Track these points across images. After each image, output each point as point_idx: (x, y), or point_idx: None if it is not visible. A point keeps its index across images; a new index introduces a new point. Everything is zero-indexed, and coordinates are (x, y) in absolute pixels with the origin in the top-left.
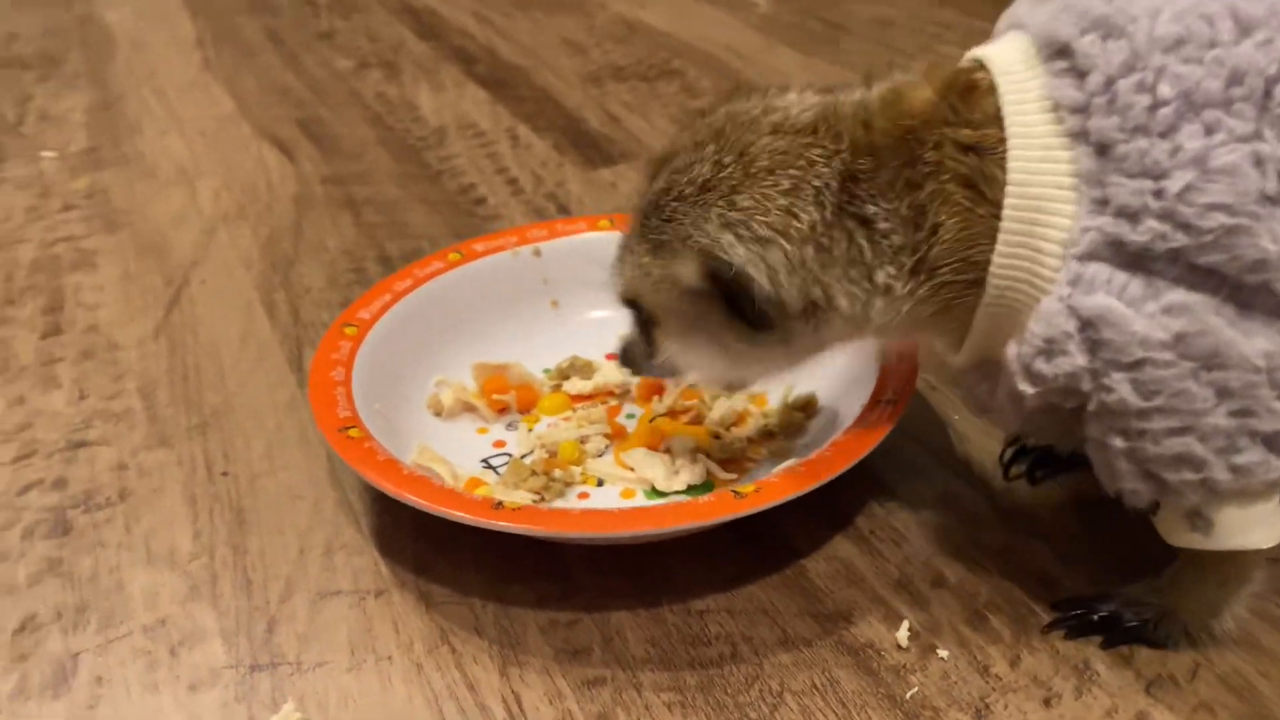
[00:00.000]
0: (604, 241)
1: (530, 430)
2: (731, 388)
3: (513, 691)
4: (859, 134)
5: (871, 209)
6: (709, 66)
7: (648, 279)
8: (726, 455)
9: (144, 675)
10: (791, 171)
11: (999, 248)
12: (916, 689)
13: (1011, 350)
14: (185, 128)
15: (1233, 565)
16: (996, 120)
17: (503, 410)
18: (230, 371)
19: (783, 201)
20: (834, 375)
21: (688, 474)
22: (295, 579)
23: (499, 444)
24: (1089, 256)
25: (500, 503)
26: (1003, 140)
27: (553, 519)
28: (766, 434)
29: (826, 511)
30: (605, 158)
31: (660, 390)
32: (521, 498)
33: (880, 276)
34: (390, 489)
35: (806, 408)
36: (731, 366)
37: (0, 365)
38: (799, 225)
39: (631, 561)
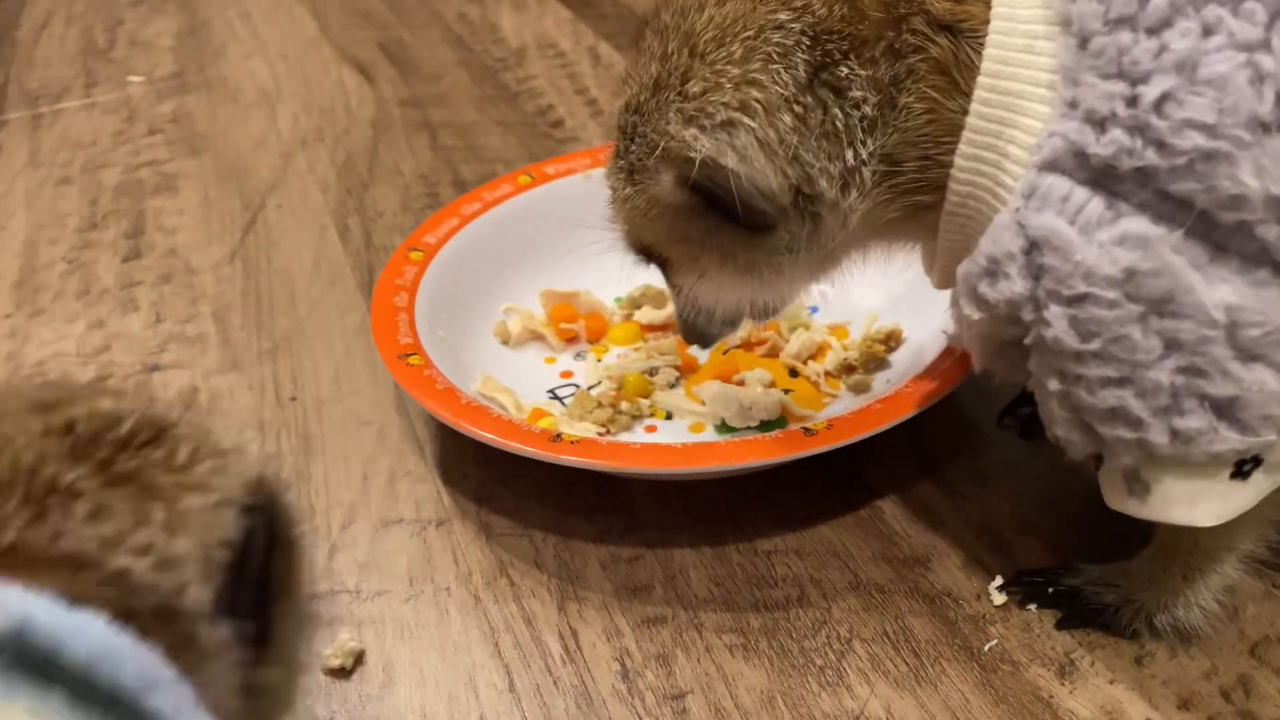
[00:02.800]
0: None
1: (599, 361)
2: (757, 316)
3: (570, 627)
4: None
5: (844, 70)
6: None
7: (636, 212)
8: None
9: None
10: (744, 36)
11: (962, 148)
12: (996, 641)
13: (961, 269)
14: (268, 51)
15: (1197, 555)
16: None
17: (571, 339)
18: (302, 296)
19: (736, 72)
20: (921, 307)
21: (761, 409)
22: (358, 506)
23: (566, 374)
24: (1049, 166)
25: (559, 435)
26: (987, 22)
27: (611, 452)
28: (846, 367)
29: (907, 450)
30: None
31: None
32: (586, 430)
33: (850, 155)
34: (447, 417)
35: (889, 340)
36: (751, 288)
37: (83, 288)
38: (760, 96)
39: (697, 498)
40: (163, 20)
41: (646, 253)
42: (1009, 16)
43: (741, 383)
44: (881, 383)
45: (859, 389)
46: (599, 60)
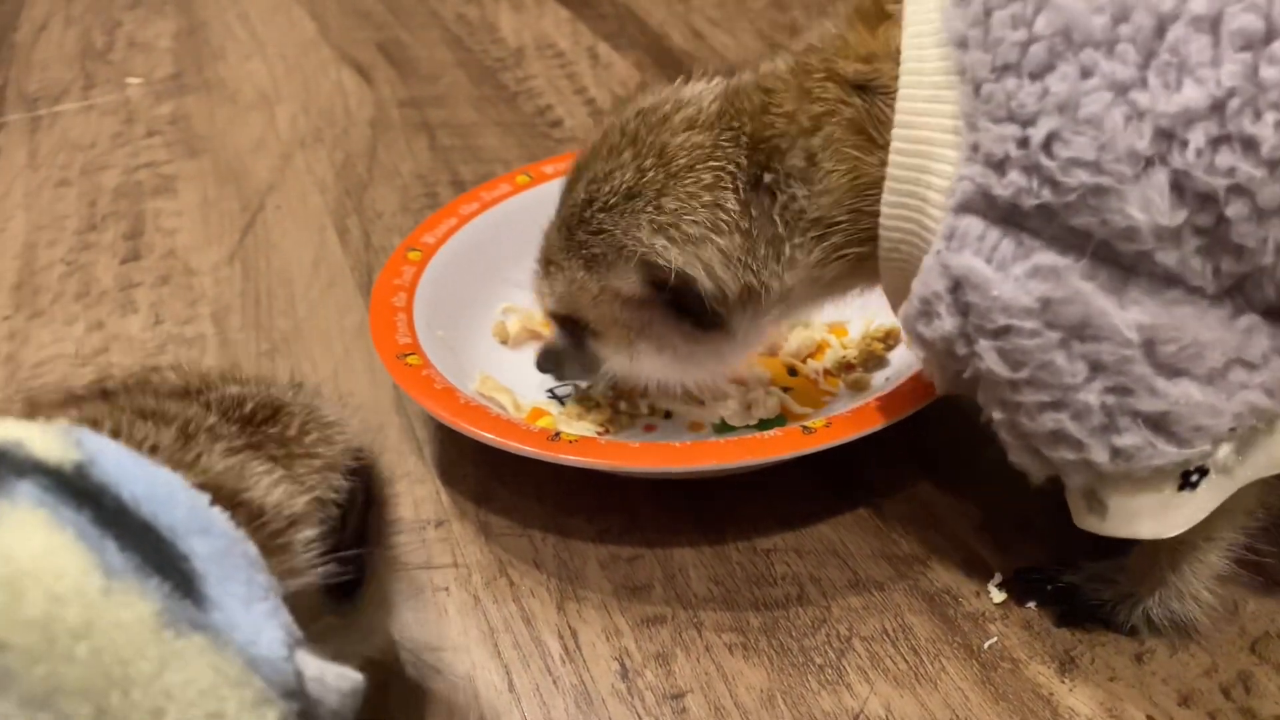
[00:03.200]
0: None
1: None
2: (668, 392)
3: (569, 627)
4: (757, 99)
5: (769, 176)
6: None
7: (585, 294)
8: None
9: None
10: (711, 164)
11: (885, 197)
12: (995, 639)
13: (901, 313)
14: (267, 52)
15: (1181, 548)
16: (897, 55)
17: None
18: (301, 297)
19: (707, 198)
20: None
21: (761, 408)
22: None
23: None
24: (963, 209)
25: (558, 434)
26: (896, 78)
27: (610, 451)
28: (845, 366)
29: (906, 448)
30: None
31: None
32: (585, 429)
33: (787, 249)
34: (445, 417)
35: (888, 339)
36: (680, 369)
37: (82, 290)
38: (725, 217)
39: (697, 497)
40: (161, 22)
41: (571, 323)
42: (916, 70)
43: (741, 381)
44: (880, 380)
45: (858, 387)
46: (598, 60)
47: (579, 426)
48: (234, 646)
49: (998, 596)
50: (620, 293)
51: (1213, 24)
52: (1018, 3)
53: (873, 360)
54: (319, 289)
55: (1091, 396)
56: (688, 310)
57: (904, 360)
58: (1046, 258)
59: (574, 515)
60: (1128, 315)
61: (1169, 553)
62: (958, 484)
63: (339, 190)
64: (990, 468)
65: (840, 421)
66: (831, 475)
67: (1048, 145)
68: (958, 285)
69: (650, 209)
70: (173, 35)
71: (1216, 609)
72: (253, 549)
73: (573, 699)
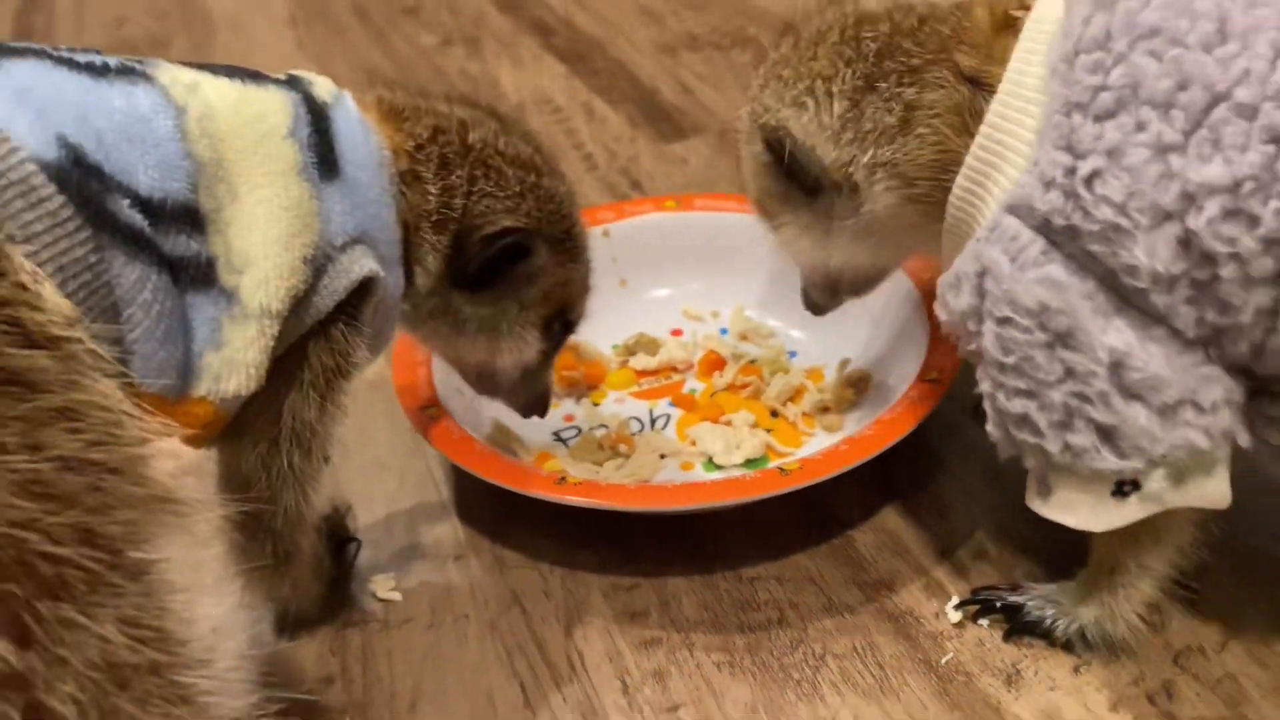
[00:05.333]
0: (668, 221)
1: (596, 406)
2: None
3: (577, 650)
4: (910, 22)
5: (883, 85)
6: None
7: (747, 163)
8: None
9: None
10: (832, 41)
11: (959, 180)
12: (951, 655)
13: (940, 279)
14: None
15: (1119, 573)
16: (1007, 63)
17: (573, 385)
18: None
19: (815, 66)
20: (888, 353)
21: (747, 448)
22: (382, 544)
23: (569, 418)
24: (1010, 210)
25: (564, 478)
26: (1000, 80)
27: (611, 493)
28: (821, 409)
29: (876, 483)
30: (677, 131)
31: (721, 366)
32: (587, 471)
33: (869, 156)
34: (466, 465)
35: (859, 384)
36: (809, 245)
37: None
38: (826, 87)
39: (688, 531)
40: None
41: (760, 208)
42: (1017, 82)
43: (729, 423)
44: (853, 421)
45: (832, 428)
46: (593, 115)
47: (582, 468)
48: (329, 215)
49: (954, 617)
50: (758, 158)
51: (1251, 113)
52: (1100, 53)
53: (845, 403)
54: None
55: (1058, 395)
56: (790, 170)
57: (873, 404)
58: (1058, 271)
59: (580, 549)
60: (1106, 338)
61: (1109, 580)
62: (921, 516)
63: None
64: (951, 501)
65: (812, 464)
66: (809, 510)
67: (1090, 180)
68: (984, 271)
69: (775, 82)
70: None
71: (1143, 631)
72: (389, 203)
73: (580, 713)
